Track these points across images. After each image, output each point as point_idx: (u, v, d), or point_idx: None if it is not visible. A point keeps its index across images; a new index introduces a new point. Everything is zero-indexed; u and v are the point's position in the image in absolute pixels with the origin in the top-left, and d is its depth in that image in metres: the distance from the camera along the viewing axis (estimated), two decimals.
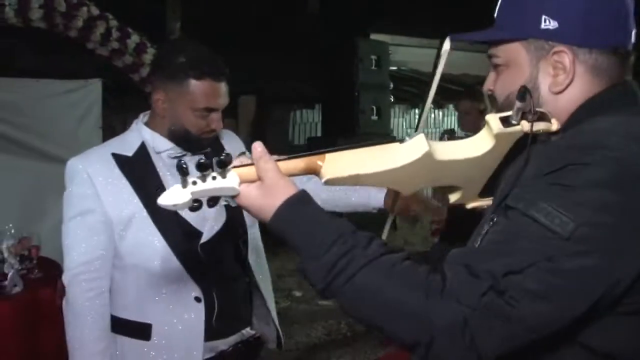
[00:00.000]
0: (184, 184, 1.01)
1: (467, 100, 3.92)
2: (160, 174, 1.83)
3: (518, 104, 1.04)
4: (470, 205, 1.30)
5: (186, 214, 1.83)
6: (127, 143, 1.86)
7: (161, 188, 1.81)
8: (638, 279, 0.92)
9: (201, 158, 0.99)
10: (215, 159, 0.99)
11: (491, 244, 0.97)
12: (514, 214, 0.96)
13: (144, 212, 1.78)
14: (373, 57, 7.08)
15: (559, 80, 1.08)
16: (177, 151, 1.87)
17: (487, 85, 1.19)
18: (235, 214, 1.95)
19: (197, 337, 1.82)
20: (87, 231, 1.78)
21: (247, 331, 2.01)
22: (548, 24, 1.06)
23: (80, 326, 1.78)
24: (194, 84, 1.77)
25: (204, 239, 1.85)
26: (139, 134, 1.87)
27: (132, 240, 1.79)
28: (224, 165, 0.99)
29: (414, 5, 7.32)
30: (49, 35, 4.79)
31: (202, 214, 1.87)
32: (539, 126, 1.06)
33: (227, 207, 1.92)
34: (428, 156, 1.04)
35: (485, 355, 0.91)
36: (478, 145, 1.07)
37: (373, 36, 7.69)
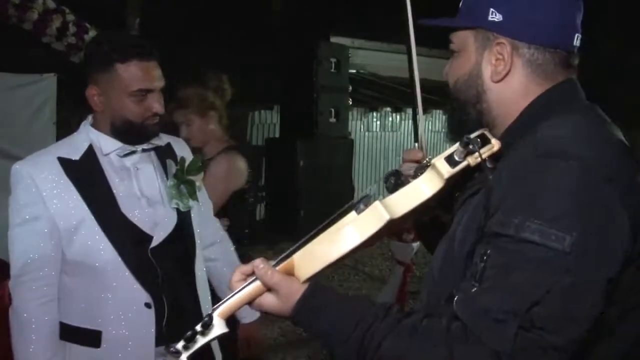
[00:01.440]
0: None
1: (181, 110, 2.75)
2: (108, 177, 1.82)
3: (461, 149, 1.10)
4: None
5: (135, 218, 1.83)
6: (74, 146, 1.84)
7: (109, 192, 1.80)
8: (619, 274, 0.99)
9: (175, 347, 1.06)
10: (200, 325, 1.07)
11: (498, 281, 0.98)
12: (507, 241, 0.99)
13: (91, 218, 1.76)
14: (333, 59, 7.13)
15: (498, 70, 1.16)
16: (125, 149, 1.86)
17: (445, 70, 1.26)
18: (185, 217, 1.94)
19: (148, 343, 1.81)
20: (33, 238, 1.75)
21: None
22: (494, 16, 1.15)
23: (27, 335, 1.75)
24: (121, 67, 1.77)
25: (154, 243, 1.85)
26: (87, 136, 1.85)
27: (80, 246, 1.77)
28: (207, 326, 1.08)
29: (374, 9, 7.38)
30: (1, 27, 4.68)
31: (153, 218, 1.88)
32: (485, 155, 1.11)
33: (178, 210, 1.92)
34: (389, 220, 1.05)
35: None
36: (428, 187, 1.10)
37: (333, 39, 7.73)
